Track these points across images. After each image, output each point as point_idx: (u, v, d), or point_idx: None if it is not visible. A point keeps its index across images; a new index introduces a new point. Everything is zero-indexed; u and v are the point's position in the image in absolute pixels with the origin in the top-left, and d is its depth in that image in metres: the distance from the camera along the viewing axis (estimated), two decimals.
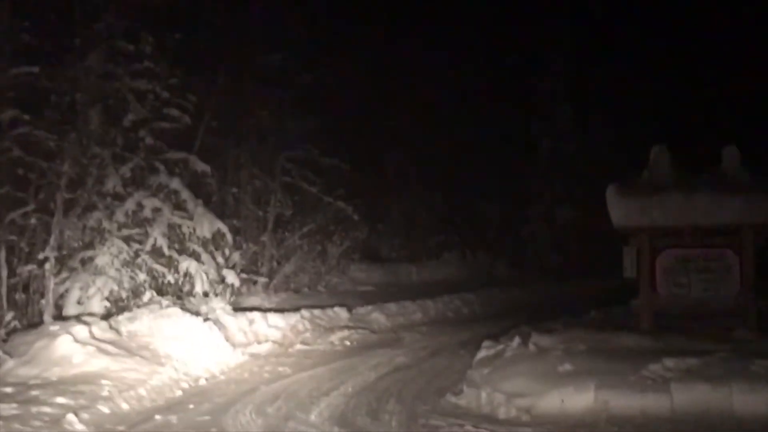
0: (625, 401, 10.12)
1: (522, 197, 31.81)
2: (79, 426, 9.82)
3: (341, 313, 19.31)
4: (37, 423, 9.69)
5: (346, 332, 17.71)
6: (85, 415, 10.17)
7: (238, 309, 18.07)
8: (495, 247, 30.48)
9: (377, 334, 18.05)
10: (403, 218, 30.40)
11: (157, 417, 10.69)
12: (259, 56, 22.17)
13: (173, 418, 10.64)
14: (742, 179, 13.15)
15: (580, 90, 31.49)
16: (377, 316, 19.66)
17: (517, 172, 31.42)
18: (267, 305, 19.99)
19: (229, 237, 18.21)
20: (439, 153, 29.41)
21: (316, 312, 18.87)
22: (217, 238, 17.95)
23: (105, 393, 11.27)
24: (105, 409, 10.68)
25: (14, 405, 10.30)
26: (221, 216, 18.86)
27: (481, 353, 12.97)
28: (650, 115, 31.15)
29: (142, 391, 11.73)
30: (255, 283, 22.28)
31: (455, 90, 29.61)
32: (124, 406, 11.05)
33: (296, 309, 18.90)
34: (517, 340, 12.52)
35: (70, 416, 9.93)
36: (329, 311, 19.21)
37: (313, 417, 10.72)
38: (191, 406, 11.38)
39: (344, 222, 25.26)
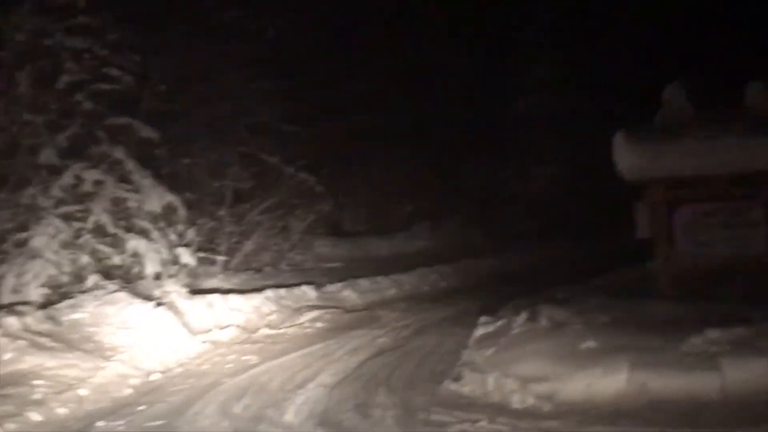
0: (667, 382, 8.39)
1: (498, 159, 29.68)
2: None
3: (309, 291, 17.68)
4: None
5: (316, 312, 16.03)
6: (10, 426, 8.35)
7: (195, 291, 16.27)
8: (469, 215, 28.58)
9: (351, 313, 16.38)
10: (369, 188, 28.51)
11: (100, 423, 8.88)
12: (214, 11, 20.05)
13: (119, 424, 8.83)
14: None
15: (563, 39, 29.41)
16: (348, 294, 18.06)
17: (492, 131, 29.31)
18: (227, 286, 18.20)
19: (182, 211, 16.20)
20: (407, 116, 27.44)
21: (282, 292, 17.24)
22: (168, 213, 15.94)
23: (37, 396, 9.49)
24: (36, 416, 8.89)
25: None
26: (173, 189, 16.84)
27: (479, 331, 11.18)
28: (641, 62, 29.27)
29: (83, 392, 9.93)
30: (213, 263, 20.36)
31: (426, 45, 27.56)
32: (61, 411, 9.25)
33: (259, 289, 17.24)
34: (524, 314, 10.65)
35: None
36: (296, 290, 17.57)
37: (289, 416, 8.94)
38: (142, 408, 9.56)
39: (307, 194, 23.36)
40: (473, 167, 29.77)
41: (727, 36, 27.55)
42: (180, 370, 11.84)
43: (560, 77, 29.79)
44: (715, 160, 11.14)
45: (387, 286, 19.05)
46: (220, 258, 20.32)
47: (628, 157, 11.40)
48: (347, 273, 20.42)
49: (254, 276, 20.30)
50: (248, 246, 21.80)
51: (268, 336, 14.27)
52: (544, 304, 10.87)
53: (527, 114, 29.87)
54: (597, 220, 26.30)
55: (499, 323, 11.02)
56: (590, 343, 9.02)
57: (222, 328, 14.57)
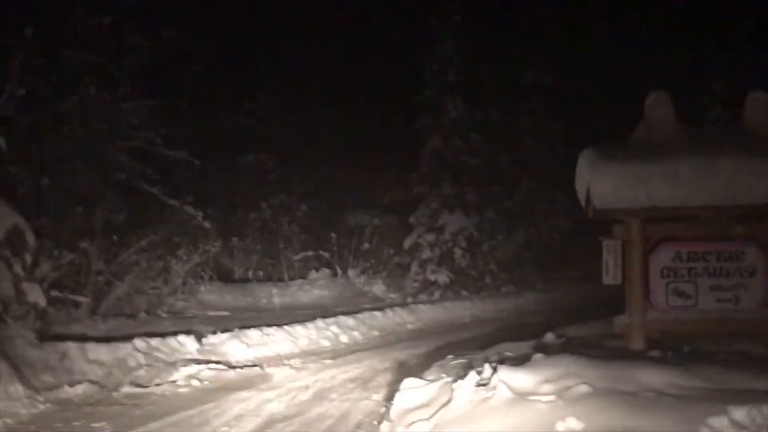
0: None
1: (404, 205, 27.36)
2: None
3: (188, 342, 15.03)
4: None
5: (194, 368, 13.25)
6: None
7: (47, 337, 13.66)
8: (371, 264, 26.22)
9: (236, 370, 13.66)
10: (263, 231, 26.00)
11: None
12: (84, 14, 17.32)
13: None
14: None
15: (474, 79, 27.48)
16: (235, 347, 15.37)
17: (399, 176, 27.12)
18: (92, 334, 15.44)
19: (31, 238, 13.27)
20: (307, 154, 25.15)
21: (154, 342, 14.54)
22: (14, 239, 13.00)
23: None
24: None
25: None
26: (27, 213, 13.85)
27: (403, 397, 8.48)
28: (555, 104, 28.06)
29: None
30: (77, 306, 17.44)
31: (330, 80, 25.44)
32: None
33: (127, 338, 14.40)
34: (471, 377, 7.93)
35: None
36: (172, 340, 14.92)
37: None
38: None
39: (193, 233, 20.69)
40: (378, 215, 27.68)
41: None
42: None
43: (468, 121, 27.80)
44: (712, 187, 8.83)
45: (280, 339, 16.43)
46: (84, 299, 17.43)
47: (600, 180, 9.01)
48: (234, 323, 17.76)
49: (126, 323, 17.78)
50: (121, 289, 18.98)
51: (131, 396, 11.56)
52: (494, 364, 8.19)
53: (435, 159, 27.62)
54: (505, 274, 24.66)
55: (432, 388, 8.33)
56: (571, 424, 6.44)
57: (74, 384, 12.02)
